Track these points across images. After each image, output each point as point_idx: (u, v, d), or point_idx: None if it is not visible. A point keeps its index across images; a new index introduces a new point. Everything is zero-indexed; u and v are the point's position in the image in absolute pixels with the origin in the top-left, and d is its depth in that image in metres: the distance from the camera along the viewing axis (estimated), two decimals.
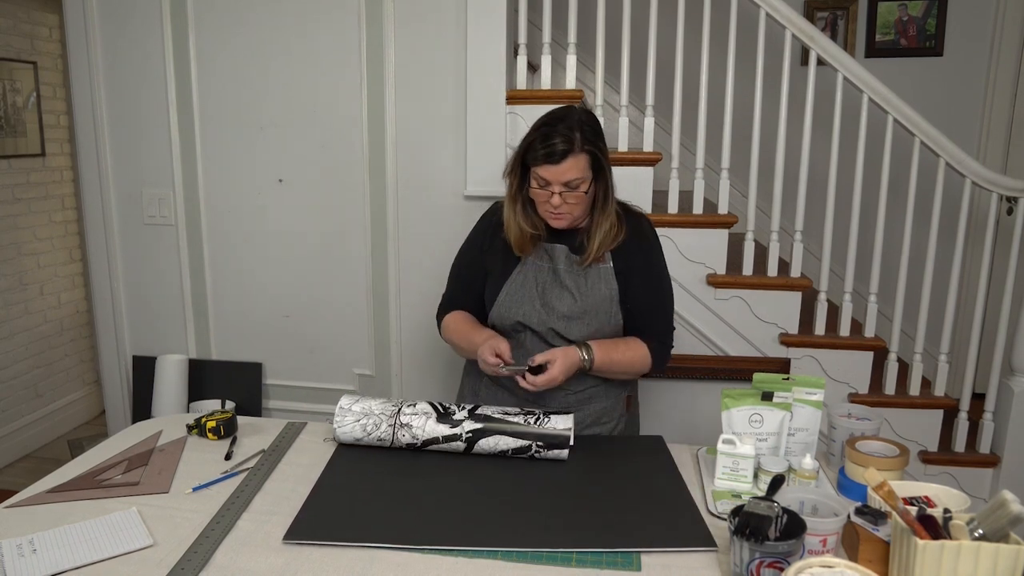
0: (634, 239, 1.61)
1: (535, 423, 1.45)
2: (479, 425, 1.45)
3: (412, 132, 2.41)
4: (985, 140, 3.13)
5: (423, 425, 1.46)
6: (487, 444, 1.45)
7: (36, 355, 3.44)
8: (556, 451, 1.44)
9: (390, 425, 1.47)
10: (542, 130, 1.50)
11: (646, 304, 1.62)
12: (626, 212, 1.64)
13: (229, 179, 2.55)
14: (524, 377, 1.50)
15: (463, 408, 1.49)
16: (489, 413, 1.47)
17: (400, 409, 1.49)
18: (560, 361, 1.50)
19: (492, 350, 1.52)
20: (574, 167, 1.48)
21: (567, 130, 1.48)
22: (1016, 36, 3.04)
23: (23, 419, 3.38)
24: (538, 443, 1.43)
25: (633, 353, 1.61)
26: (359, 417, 1.48)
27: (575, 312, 1.58)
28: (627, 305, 1.61)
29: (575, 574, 1.11)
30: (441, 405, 1.50)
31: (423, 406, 1.50)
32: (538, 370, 1.50)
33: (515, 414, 1.47)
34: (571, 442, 1.45)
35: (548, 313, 1.59)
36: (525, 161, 1.53)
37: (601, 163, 1.52)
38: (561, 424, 1.45)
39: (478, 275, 1.70)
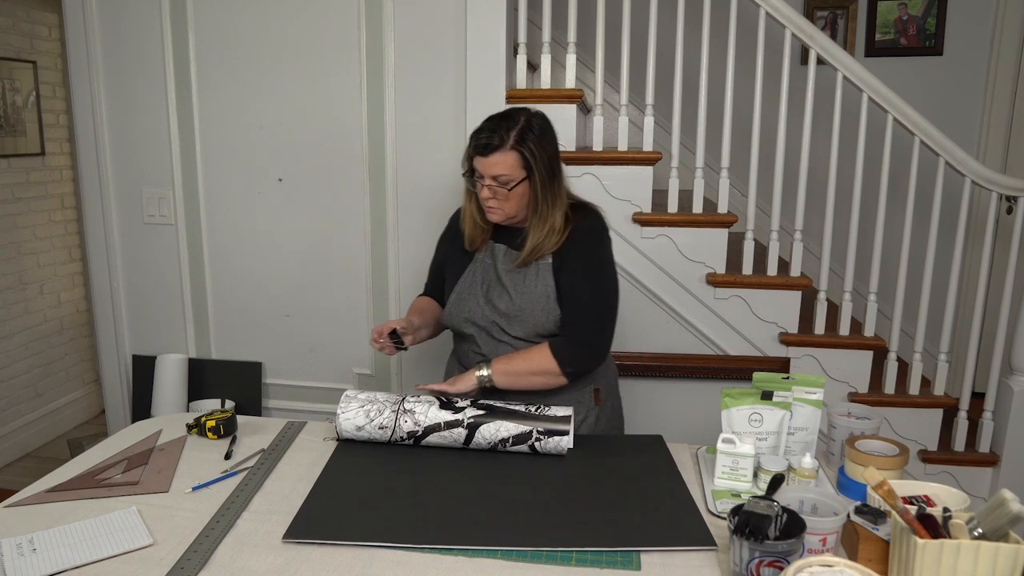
0: (575, 234, 1.63)
1: (536, 411, 1.49)
2: (481, 412, 1.48)
3: (412, 132, 2.41)
4: (985, 139, 3.13)
5: (426, 411, 1.49)
6: (488, 431, 1.46)
7: (36, 354, 3.44)
8: (556, 439, 1.45)
9: (393, 411, 1.49)
10: (484, 123, 1.59)
11: (570, 298, 1.62)
12: (575, 210, 1.66)
13: (229, 179, 2.55)
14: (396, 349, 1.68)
15: (467, 399, 1.53)
16: (492, 402, 1.51)
17: (404, 397, 1.53)
18: (449, 381, 1.62)
19: (376, 330, 1.66)
20: (502, 163, 1.54)
21: (504, 128, 1.55)
22: (1016, 36, 3.04)
23: (23, 418, 3.38)
24: (538, 429, 1.45)
25: (531, 355, 1.61)
26: (363, 403, 1.51)
27: (512, 310, 1.63)
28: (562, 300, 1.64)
29: (575, 573, 1.11)
30: (445, 396, 1.54)
31: (427, 397, 1.54)
32: (396, 336, 1.66)
33: (517, 403, 1.51)
34: (571, 433, 1.47)
35: (491, 311, 1.65)
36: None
37: (532, 165, 1.55)
38: (561, 412, 1.49)
39: (441, 270, 1.82)
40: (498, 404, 1.50)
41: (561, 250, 1.62)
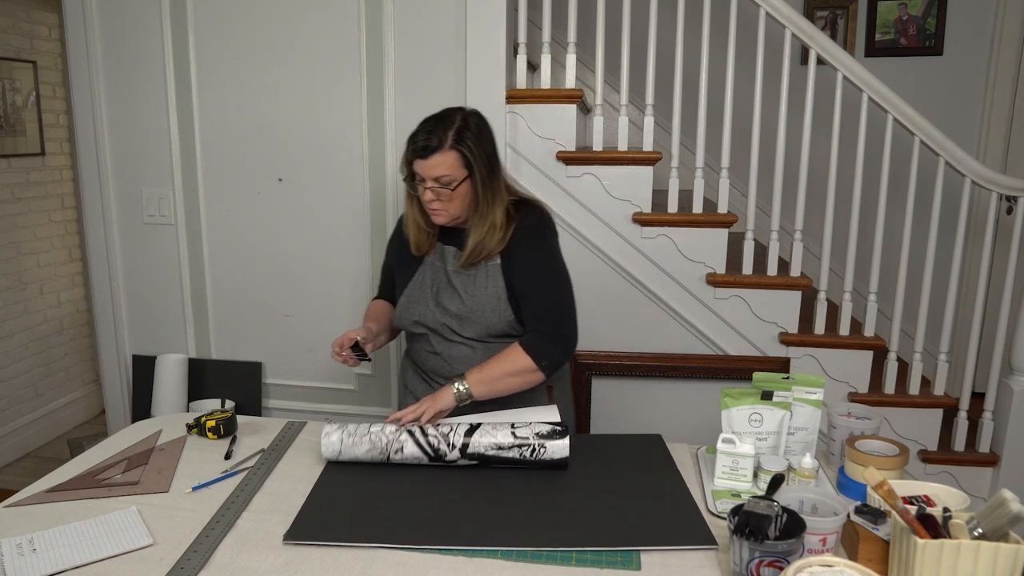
0: (521, 231, 1.62)
1: (531, 456, 1.42)
2: (473, 463, 1.43)
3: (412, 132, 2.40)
4: (985, 139, 3.13)
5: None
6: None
7: (36, 354, 3.44)
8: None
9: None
10: (421, 126, 1.57)
11: (527, 295, 1.62)
12: (519, 208, 1.65)
13: (229, 178, 2.55)
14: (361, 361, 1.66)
15: (453, 448, 1.43)
16: (482, 451, 1.42)
17: (388, 457, 1.44)
18: (428, 399, 1.53)
19: (337, 342, 1.64)
20: (442, 163, 1.53)
21: (441, 128, 1.54)
22: (1016, 36, 3.04)
23: (23, 418, 3.38)
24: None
25: (504, 358, 1.58)
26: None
27: (463, 312, 1.62)
28: (516, 300, 1.63)
29: (575, 573, 1.11)
30: (430, 446, 1.43)
31: (411, 449, 1.43)
32: (358, 348, 1.64)
33: (508, 447, 1.42)
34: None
35: (441, 313, 1.64)
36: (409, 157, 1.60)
37: (472, 163, 1.55)
38: (559, 453, 1.42)
39: (391, 273, 1.82)
40: (490, 452, 1.42)
41: (508, 249, 1.62)
